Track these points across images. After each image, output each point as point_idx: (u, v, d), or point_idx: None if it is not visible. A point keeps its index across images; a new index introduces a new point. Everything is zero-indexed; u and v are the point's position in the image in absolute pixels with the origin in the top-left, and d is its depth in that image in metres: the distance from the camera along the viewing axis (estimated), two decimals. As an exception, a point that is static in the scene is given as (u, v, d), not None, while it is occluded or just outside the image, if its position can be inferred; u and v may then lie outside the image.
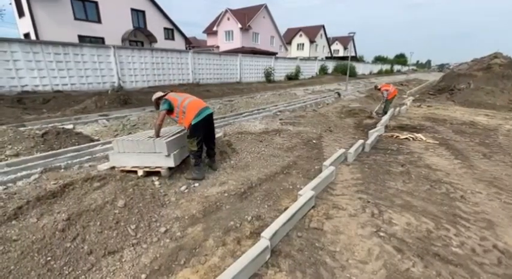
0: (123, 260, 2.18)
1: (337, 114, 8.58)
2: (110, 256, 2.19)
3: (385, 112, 8.04)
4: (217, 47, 31.42)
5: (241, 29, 29.30)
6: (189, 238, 2.46)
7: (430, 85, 18.52)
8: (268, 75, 19.26)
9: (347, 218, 2.74)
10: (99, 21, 17.74)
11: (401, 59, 70.65)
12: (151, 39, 20.29)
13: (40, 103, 8.12)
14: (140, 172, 3.32)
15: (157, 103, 3.56)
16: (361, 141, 4.86)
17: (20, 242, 2.06)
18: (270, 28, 33.92)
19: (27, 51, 8.35)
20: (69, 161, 4.08)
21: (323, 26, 45.77)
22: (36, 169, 3.69)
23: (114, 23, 18.14)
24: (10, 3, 17.69)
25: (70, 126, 6.07)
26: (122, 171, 3.34)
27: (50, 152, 4.26)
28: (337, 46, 54.28)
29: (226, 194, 3.21)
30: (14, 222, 2.26)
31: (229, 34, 31.18)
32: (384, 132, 6.19)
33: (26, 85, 8.49)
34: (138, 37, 19.90)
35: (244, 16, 29.81)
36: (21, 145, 4.33)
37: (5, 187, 3.32)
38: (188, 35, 26.47)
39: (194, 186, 3.40)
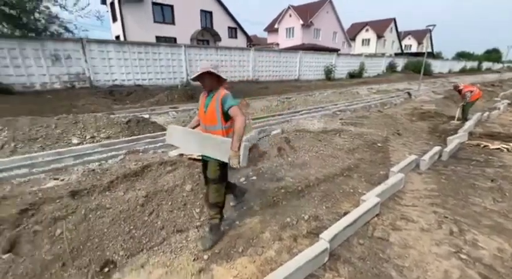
0: (189, 239, 2.39)
1: (407, 116, 7.71)
2: (178, 234, 2.43)
3: (465, 119, 6.85)
4: (277, 44, 31.52)
5: (302, 25, 28.74)
6: (246, 228, 2.55)
7: (534, 86, 15.07)
8: (328, 72, 18.50)
9: (418, 232, 2.45)
10: (173, 22, 19.67)
11: (493, 55, 59.16)
12: (217, 38, 21.55)
13: (125, 96, 9.47)
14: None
15: (214, 74, 2.08)
16: (437, 148, 4.27)
17: (112, 210, 2.45)
18: (333, 23, 32.38)
19: (118, 50, 9.84)
20: (146, 146, 4.66)
21: (394, 19, 41.50)
22: (122, 151, 4.33)
23: (185, 24, 19.85)
24: (107, 11, 21.00)
25: (147, 116, 6.91)
26: (189, 159, 3.65)
27: (132, 138, 4.94)
28: (409, 41, 48.58)
29: (283, 191, 3.21)
30: (107, 193, 2.69)
31: (290, 31, 30.93)
32: (467, 139, 5.31)
33: (116, 79, 10.02)
34: (205, 36, 21.36)
35: (307, 12, 29.10)
36: (111, 129, 5.12)
37: (99, 163, 4.00)
38: (249, 33, 27.22)
39: (252, 179, 3.50)
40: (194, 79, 2.13)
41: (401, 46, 44.35)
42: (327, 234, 2.18)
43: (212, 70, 2.04)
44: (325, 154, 4.34)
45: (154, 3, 18.33)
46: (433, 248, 2.24)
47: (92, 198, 2.58)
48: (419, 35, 46.88)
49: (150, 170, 3.10)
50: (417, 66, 22.53)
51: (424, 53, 15.43)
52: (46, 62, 8.54)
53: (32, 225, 2.21)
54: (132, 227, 2.37)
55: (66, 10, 9.85)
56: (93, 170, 3.46)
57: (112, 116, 5.98)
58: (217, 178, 2.25)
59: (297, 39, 29.32)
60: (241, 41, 24.64)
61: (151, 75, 10.83)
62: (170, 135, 2.50)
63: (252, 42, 28.97)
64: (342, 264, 2.08)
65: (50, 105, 7.28)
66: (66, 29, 10.00)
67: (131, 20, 17.39)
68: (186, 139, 2.35)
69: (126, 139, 4.86)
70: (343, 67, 19.89)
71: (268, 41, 34.66)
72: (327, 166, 3.93)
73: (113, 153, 4.25)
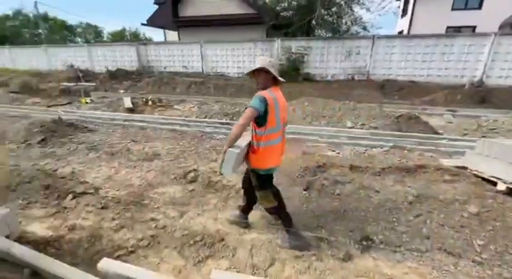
0: (458, 268, 1.95)
1: None
2: (444, 254, 2.07)
3: None
4: None
5: None
6: None
7: None
8: None
9: None
10: (479, 7, 15.61)
11: None
12: (554, 19, 14.22)
13: (395, 90, 9.35)
14: (502, 187, 2.65)
15: (270, 73, 1.93)
16: None
17: (380, 195, 2.59)
18: None
19: (403, 45, 9.70)
20: (413, 146, 4.35)
21: None
22: (388, 143, 4.39)
23: (497, 6, 14.90)
24: (398, 7, 21.08)
25: (417, 114, 6.38)
26: (476, 176, 2.88)
27: (399, 133, 4.82)
28: None
29: None
30: (377, 177, 2.87)
31: None
32: None
33: (391, 74, 10.10)
34: (530, 19, 14.87)
35: None
36: (380, 121, 5.33)
37: (365, 149, 4.36)
38: None
39: None
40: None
41: None
42: None
43: (271, 70, 1.90)
44: None
45: (459, -13, 15.50)
46: None
47: (364, 176, 2.88)
48: None
49: (425, 172, 2.85)
50: None
51: None
52: (340, 58, 10.48)
53: (322, 179, 2.91)
54: (395, 219, 2.36)
55: (369, 11, 11.13)
56: (362, 152, 3.84)
57: (384, 109, 6.19)
58: (256, 185, 2.15)
59: None
60: None
61: (431, 70, 9.63)
62: None
63: None
64: None
65: (334, 92, 8.99)
66: (364, 28, 11.42)
67: (422, 11, 16.07)
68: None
69: (393, 133, 4.84)
70: None
71: None
72: None
73: (380, 143, 4.42)
